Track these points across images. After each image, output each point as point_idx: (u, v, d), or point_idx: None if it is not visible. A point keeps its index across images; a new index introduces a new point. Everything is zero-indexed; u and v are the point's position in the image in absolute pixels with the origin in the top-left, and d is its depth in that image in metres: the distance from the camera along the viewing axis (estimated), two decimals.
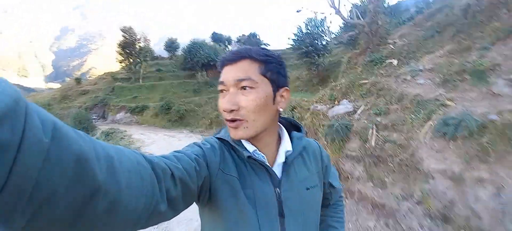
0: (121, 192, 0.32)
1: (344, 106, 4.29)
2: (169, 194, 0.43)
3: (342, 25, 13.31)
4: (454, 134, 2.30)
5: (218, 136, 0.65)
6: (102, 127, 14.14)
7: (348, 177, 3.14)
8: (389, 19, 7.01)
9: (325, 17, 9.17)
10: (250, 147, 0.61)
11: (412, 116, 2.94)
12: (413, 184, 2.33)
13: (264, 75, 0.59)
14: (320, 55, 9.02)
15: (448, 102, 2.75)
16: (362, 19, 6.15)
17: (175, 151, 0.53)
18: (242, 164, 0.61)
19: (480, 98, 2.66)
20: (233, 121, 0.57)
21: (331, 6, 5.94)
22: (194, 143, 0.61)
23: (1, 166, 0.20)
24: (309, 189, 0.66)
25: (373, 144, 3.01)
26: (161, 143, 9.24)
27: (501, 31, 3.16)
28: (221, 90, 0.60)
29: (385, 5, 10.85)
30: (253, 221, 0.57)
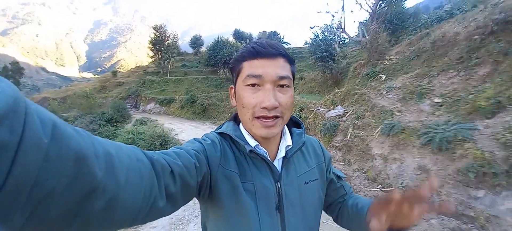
0: (120, 189, 0.32)
1: (337, 111, 5.42)
2: (168, 190, 0.43)
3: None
4: (389, 132, 3.46)
5: (219, 131, 0.65)
6: (136, 115, 15.64)
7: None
8: (390, 34, 7.61)
9: (340, 22, 9.78)
10: (252, 142, 0.62)
11: (374, 120, 4.06)
12: (364, 163, 3.53)
13: (292, 75, 0.62)
14: (336, 60, 9.40)
15: (397, 113, 3.84)
16: (366, 36, 7.11)
17: (175, 147, 0.54)
18: (243, 158, 0.62)
19: (414, 112, 3.73)
20: (273, 117, 0.57)
21: (336, 29, 6.92)
22: (194, 138, 0.62)
23: (0, 165, 0.20)
24: (307, 183, 0.67)
25: (348, 138, 4.20)
26: (189, 132, 10.52)
27: (445, 64, 4.09)
28: (253, 84, 0.58)
29: (404, 8, 11.24)
30: (253, 214, 0.58)
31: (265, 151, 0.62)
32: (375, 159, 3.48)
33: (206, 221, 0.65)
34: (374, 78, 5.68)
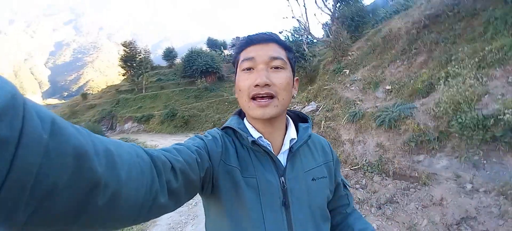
0: (121, 185, 0.33)
1: (311, 106, 5.93)
2: (170, 186, 0.43)
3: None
4: (353, 119, 4.03)
5: (223, 126, 0.67)
6: (113, 137, 14.95)
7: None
8: (351, 32, 8.36)
9: (307, 25, 10.37)
10: (255, 133, 0.62)
11: (342, 111, 4.63)
12: (337, 148, 4.04)
13: (288, 60, 0.62)
14: (307, 59, 10.00)
15: (358, 102, 4.45)
16: (330, 36, 7.80)
17: (175, 144, 0.53)
18: (246, 152, 0.61)
19: (371, 99, 4.38)
20: (265, 96, 0.57)
21: (304, 30, 7.56)
22: (195, 135, 0.61)
23: (1, 162, 0.20)
24: (315, 180, 0.65)
25: (322, 129, 4.71)
26: None
27: (393, 56, 4.84)
28: (248, 68, 0.59)
29: (362, 6, 12.22)
30: (256, 210, 0.57)
31: (269, 143, 0.62)
32: (345, 144, 3.91)
33: (209, 218, 0.66)
34: (340, 73, 6.29)
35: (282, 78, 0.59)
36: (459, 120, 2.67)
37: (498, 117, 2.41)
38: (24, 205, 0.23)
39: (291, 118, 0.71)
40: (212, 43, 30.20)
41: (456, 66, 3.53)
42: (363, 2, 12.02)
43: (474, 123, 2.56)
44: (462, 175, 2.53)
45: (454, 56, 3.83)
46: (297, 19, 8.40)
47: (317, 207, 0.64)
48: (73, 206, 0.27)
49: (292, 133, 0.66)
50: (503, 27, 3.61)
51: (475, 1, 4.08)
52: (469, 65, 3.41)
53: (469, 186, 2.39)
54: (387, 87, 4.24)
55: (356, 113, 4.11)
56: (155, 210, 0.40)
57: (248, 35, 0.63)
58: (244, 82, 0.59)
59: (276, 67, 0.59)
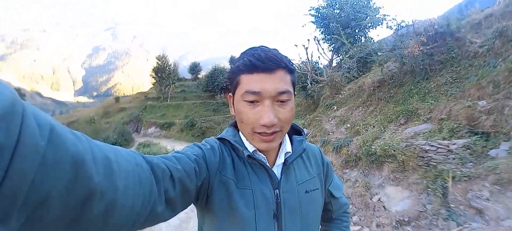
0: (118, 194, 0.32)
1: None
2: (167, 195, 0.43)
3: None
4: (323, 145, 5.35)
5: (219, 136, 0.65)
6: (138, 139, 16.49)
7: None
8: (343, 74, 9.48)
9: (318, 58, 11.61)
10: (250, 147, 0.61)
11: (320, 138, 5.88)
12: None
13: (292, 85, 0.60)
14: (309, 93, 10.55)
15: (330, 133, 5.75)
16: (327, 75, 9.20)
17: (175, 152, 0.54)
18: (242, 164, 0.61)
19: (338, 133, 5.64)
20: (271, 133, 0.56)
21: (305, 70, 9.08)
22: (194, 143, 0.61)
23: None
24: (308, 192, 0.66)
25: None
26: None
27: (359, 103, 6.16)
28: (252, 101, 0.56)
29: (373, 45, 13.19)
30: (250, 222, 0.57)
31: (264, 156, 0.61)
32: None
33: (202, 226, 0.65)
34: (330, 108, 7.54)
35: (288, 112, 0.57)
36: (366, 151, 4.06)
37: (377, 150, 3.84)
38: (17, 213, 0.22)
39: None
40: (233, 61, 32.06)
41: (376, 119, 5.14)
42: (371, 41, 13.01)
43: (368, 152, 4.01)
44: (359, 180, 3.92)
45: (380, 112, 5.30)
46: (303, 61, 9.90)
47: (309, 219, 0.65)
48: (67, 214, 0.27)
49: (287, 146, 0.66)
50: (408, 97, 5.09)
51: (405, 75, 5.40)
52: (380, 119, 5.03)
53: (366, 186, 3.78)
54: (348, 125, 5.58)
55: (325, 141, 5.35)
56: (151, 219, 0.41)
57: (251, 58, 0.55)
58: (248, 116, 0.56)
59: (283, 101, 0.56)
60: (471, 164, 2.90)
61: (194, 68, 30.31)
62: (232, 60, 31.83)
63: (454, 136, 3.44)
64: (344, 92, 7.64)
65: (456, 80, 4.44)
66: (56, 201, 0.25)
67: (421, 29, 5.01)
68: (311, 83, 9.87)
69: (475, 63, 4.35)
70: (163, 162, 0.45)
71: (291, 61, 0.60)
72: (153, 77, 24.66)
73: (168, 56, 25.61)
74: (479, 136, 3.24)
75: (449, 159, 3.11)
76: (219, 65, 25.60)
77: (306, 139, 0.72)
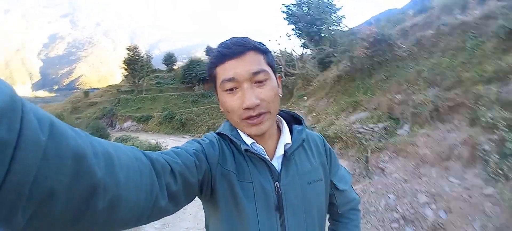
0: (121, 189, 0.32)
1: None
2: (169, 189, 0.43)
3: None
4: None
5: (217, 131, 0.65)
6: (114, 134, 15.89)
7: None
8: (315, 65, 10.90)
9: (293, 51, 12.51)
10: (248, 140, 0.61)
11: None
12: None
13: (269, 65, 0.59)
14: (290, 77, 11.37)
15: (306, 122, 6.98)
16: (298, 68, 10.36)
17: (174, 147, 0.54)
18: (242, 157, 0.61)
19: (306, 121, 6.97)
20: (258, 115, 0.56)
21: (278, 65, 10.15)
22: (193, 139, 0.62)
23: None
24: (311, 183, 0.64)
25: None
26: (172, 145, 12.04)
27: (323, 94, 7.19)
28: (231, 89, 0.56)
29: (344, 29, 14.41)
30: (251, 215, 0.57)
31: (262, 148, 0.61)
32: None
33: (209, 221, 0.66)
34: (301, 98, 8.66)
35: (269, 91, 0.57)
36: (323, 134, 4.84)
37: (331, 134, 4.82)
38: (23, 208, 0.23)
39: (284, 119, 0.69)
40: (211, 51, 31.76)
41: (333, 108, 6.11)
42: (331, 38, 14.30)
43: (325, 135, 4.75)
44: None
45: (337, 102, 6.27)
46: (276, 55, 10.99)
47: (313, 211, 0.64)
48: (72, 209, 0.27)
49: (286, 137, 0.65)
50: (357, 90, 6.07)
51: (356, 72, 6.46)
52: (336, 109, 6.01)
53: None
54: (313, 114, 6.80)
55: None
56: (156, 213, 0.41)
57: (220, 48, 0.57)
58: (231, 104, 0.57)
59: (260, 81, 0.56)
60: (385, 140, 4.15)
61: (169, 59, 29.31)
62: (208, 50, 31.23)
63: (380, 121, 4.67)
64: (314, 84, 8.35)
65: (388, 78, 5.62)
66: (60, 196, 0.25)
67: (364, 35, 6.28)
68: (285, 76, 10.91)
69: (400, 65, 5.48)
70: (162, 157, 0.46)
71: (263, 43, 0.60)
72: (125, 69, 23.71)
73: (139, 47, 24.61)
74: (394, 120, 4.51)
75: (373, 137, 4.38)
76: (195, 55, 25.29)
77: (306, 127, 0.71)
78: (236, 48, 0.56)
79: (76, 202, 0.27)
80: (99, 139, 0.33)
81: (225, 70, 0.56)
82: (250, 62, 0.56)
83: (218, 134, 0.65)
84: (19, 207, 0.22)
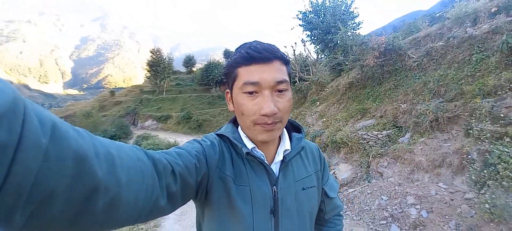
0: (122, 189, 0.33)
1: None
2: (169, 190, 0.44)
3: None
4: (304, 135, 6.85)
5: (218, 132, 0.66)
6: (136, 131, 16.93)
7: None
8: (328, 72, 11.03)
9: (308, 53, 12.10)
10: (249, 144, 0.62)
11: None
12: None
13: (288, 76, 0.61)
14: (305, 82, 11.28)
15: (311, 126, 7.23)
16: (313, 73, 10.62)
17: (176, 147, 0.55)
18: (241, 161, 0.62)
19: (316, 125, 7.11)
20: (273, 123, 0.57)
21: (293, 71, 10.45)
22: (194, 139, 0.62)
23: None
24: (305, 189, 0.67)
25: None
26: None
27: (335, 100, 7.44)
28: (251, 92, 0.56)
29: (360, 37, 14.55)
30: (247, 218, 0.58)
31: (262, 153, 0.62)
32: None
33: (202, 222, 0.66)
34: (314, 103, 8.72)
35: (287, 102, 0.58)
36: (331, 139, 5.23)
37: (338, 139, 5.12)
38: (22, 208, 0.23)
39: (284, 127, 0.69)
40: (228, 55, 32.98)
41: (343, 114, 6.35)
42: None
43: (332, 140, 5.18)
44: (329, 161, 5.25)
45: (347, 109, 6.50)
46: (293, 52, 11.30)
47: (305, 215, 0.66)
48: (71, 209, 0.27)
49: (286, 143, 0.66)
50: (366, 98, 6.28)
51: (367, 79, 6.52)
52: (345, 115, 6.25)
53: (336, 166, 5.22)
54: (324, 119, 7.06)
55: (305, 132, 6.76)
56: (154, 213, 0.42)
57: (248, 50, 0.57)
58: (249, 107, 0.57)
59: (280, 91, 0.57)
60: (386, 147, 4.40)
61: (189, 61, 30.66)
62: (226, 53, 32.54)
63: (384, 128, 4.89)
64: (327, 89, 8.51)
65: (396, 87, 5.80)
66: (60, 197, 0.25)
67: (375, 44, 6.47)
68: (299, 80, 11.02)
69: (409, 75, 5.59)
70: (164, 157, 0.46)
71: (286, 55, 0.62)
72: (147, 70, 24.96)
73: (162, 50, 25.80)
74: (397, 128, 4.73)
75: (376, 144, 4.61)
76: (213, 57, 25.92)
77: (305, 135, 0.72)
78: (266, 53, 0.57)
79: (75, 202, 0.27)
80: (102, 139, 0.34)
81: (250, 73, 0.56)
82: (276, 71, 0.57)
83: (218, 135, 0.66)
84: (18, 207, 0.22)
